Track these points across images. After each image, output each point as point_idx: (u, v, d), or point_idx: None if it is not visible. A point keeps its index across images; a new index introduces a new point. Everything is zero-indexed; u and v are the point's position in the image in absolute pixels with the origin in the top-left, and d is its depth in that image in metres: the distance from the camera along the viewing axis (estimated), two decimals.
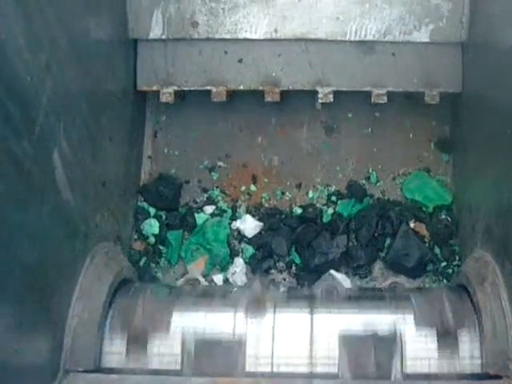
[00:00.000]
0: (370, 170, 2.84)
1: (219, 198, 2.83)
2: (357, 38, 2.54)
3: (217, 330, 1.83)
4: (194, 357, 1.80)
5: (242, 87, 2.63)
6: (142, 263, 2.69)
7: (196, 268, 2.68)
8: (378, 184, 2.84)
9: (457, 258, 2.67)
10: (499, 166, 1.95)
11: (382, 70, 2.60)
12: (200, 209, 2.80)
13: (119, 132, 2.45)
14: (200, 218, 2.77)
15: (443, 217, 2.74)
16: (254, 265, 2.69)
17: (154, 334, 1.82)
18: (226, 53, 2.61)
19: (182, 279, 2.24)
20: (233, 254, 2.72)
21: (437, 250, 2.70)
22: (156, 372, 1.79)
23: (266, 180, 2.86)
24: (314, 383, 1.73)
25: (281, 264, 2.71)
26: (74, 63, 1.83)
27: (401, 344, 1.79)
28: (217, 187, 2.85)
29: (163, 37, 2.55)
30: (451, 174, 2.80)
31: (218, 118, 2.86)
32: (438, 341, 1.79)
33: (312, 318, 1.85)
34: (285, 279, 2.69)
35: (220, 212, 2.80)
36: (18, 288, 1.49)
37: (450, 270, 2.66)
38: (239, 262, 2.70)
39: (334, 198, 2.81)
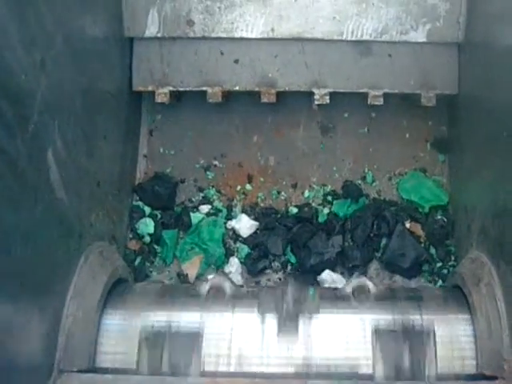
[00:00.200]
0: (366, 170, 2.84)
1: (215, 197, 2.82)
2: (353, 38, 2.54)
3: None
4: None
5: (237, 88, 2.62)
6: (137, 262, 2.69)
7: (191, 267, 2.68)
8: (374, 184, 2.83)
9: (452, 258, 2.67)
10: (495, 166, 1.95)
11: (379, 71, 2.60)
12: (195, 208, 2.80)
13: (114, 131, 2.43)
14: (195, 217, 2.76)
15: (439, 217, 2.73)
16: (249, 264, 2.68)
17: None
18: (222, 53, 2.60)
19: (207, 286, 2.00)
20: (228, 254, 2.71)
21: (432, 251, 2.70)
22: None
23: (261, 179, 2.85)
24: None
25: (276, 264, 2.71)
26: (69, 61, 1.82)
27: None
28: (212, 186, 2.84)
29: (159, 35, 2.54)
30: (447, 175, 2.80)
31: (213, 117, 2.84)
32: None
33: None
34: (280, 279, 2.69)
35: (215, 211, 2.79)
36: (12, 287, 1.48)
37: (446, 271, 2.65)
38: (234, 261, 2.70)
39: (329, 198, 2.80)
